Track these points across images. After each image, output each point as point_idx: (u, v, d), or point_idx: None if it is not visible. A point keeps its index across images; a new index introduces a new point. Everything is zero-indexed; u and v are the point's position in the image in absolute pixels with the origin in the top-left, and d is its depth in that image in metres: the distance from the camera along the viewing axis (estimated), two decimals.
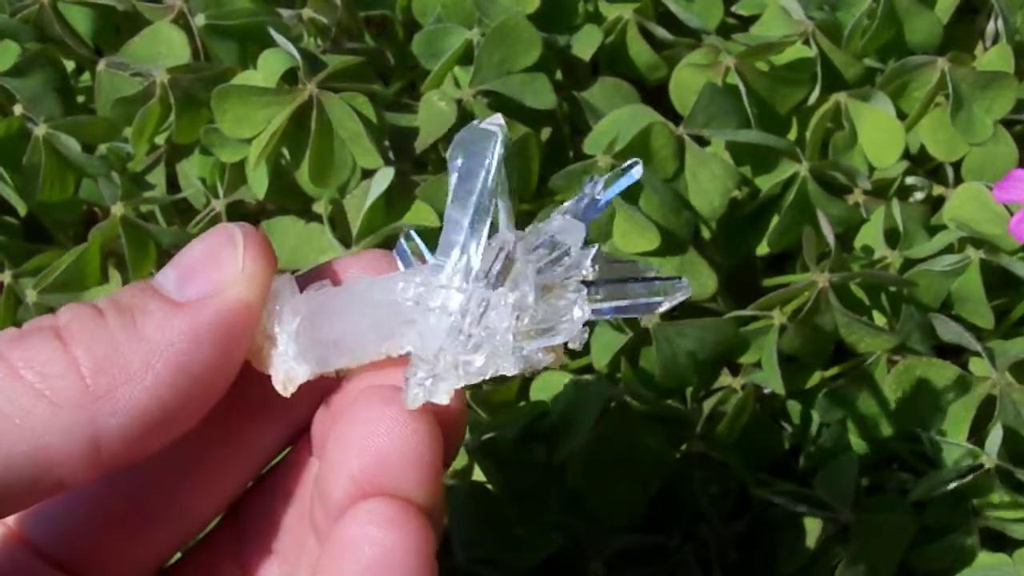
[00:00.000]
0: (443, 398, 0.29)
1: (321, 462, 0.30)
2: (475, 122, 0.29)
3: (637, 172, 0.30)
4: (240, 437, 0.32)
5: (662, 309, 0.30)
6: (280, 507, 0.33)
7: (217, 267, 0.29)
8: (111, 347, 0.28)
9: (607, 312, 0.29)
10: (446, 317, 0.29)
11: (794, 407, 0.54)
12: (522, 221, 0.56)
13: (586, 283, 0.29)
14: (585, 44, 0.59)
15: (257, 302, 0.29)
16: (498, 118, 0.29)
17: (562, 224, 0.29)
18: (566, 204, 0.30)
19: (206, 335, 0.28)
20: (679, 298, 0.30)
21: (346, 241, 0.53)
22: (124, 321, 0.28)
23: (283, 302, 0.30)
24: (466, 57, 0.57)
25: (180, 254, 0.30)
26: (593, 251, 0.29)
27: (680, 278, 0.30)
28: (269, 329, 0.30)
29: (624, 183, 0.30)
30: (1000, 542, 0.51)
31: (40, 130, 0.54)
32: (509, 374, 0.29)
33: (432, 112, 0.55)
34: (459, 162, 0.29)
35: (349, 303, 0.30)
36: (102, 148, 0.58)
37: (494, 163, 0.29)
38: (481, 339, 0.28)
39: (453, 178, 0.29)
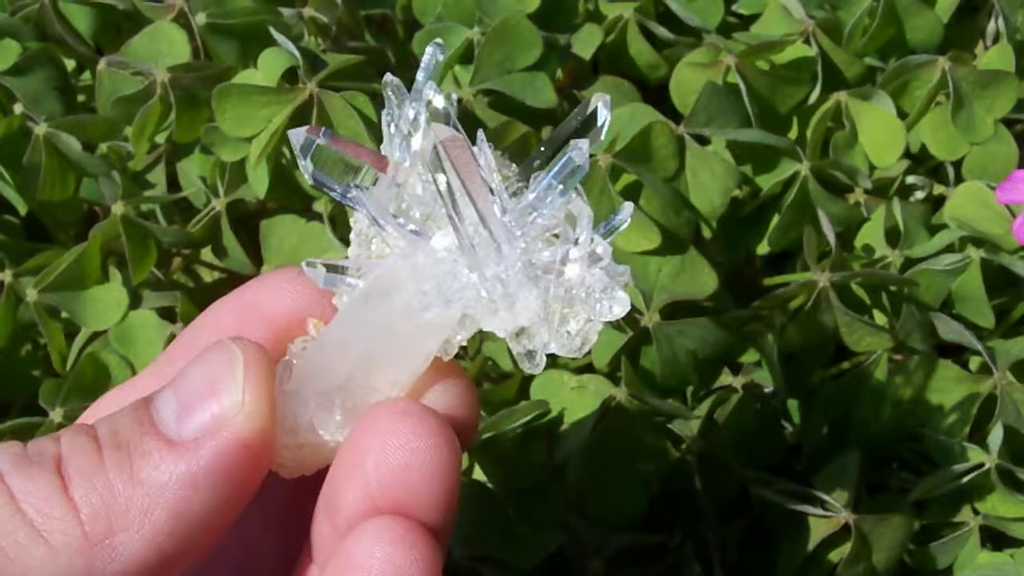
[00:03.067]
0: (596, 331, 0.28)
1: (333, 466, 0.29)
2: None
3: (626, 213, 0.29)
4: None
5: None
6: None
7: (216, 400, 0.28)
8: (108, 492, 0.27)
9: None
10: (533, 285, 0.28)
11: (794, 406, 0.54)
12: None
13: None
14: (585, 43, 0.59)
15: (260, 440, 0.28)
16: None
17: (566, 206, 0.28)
18: (553, 171, 0.29)
19: (204, 480, 0.27)
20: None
21: (347, 240, 0.53)
22: (121, 461, 0.27)
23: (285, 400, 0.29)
24: (467, 56, 0.57)
25: (182, 375, 0.29)
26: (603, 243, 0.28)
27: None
28: (293, 438, 0.29)
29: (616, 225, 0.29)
30: (1001, 541, 0.51)
31: (40, 129, 0.54)
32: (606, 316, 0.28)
33: (432, 111, 0.55)
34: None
35: (350, 339, 0.29)
36: (102, 147, 0.58)
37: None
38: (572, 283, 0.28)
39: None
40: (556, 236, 0.28)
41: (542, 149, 0.29)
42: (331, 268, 0.29)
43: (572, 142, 0.28)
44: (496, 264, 0.27)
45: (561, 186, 0.28)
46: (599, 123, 0.29)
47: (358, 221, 0.31)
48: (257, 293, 0.32)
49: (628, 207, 0.29)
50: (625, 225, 0.29)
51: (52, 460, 0.27)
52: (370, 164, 0.28)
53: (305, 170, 0.28)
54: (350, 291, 0.29)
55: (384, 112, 0.31)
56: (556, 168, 0.28)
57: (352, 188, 0.28)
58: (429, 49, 0.30)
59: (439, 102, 0.29)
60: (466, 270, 0.28)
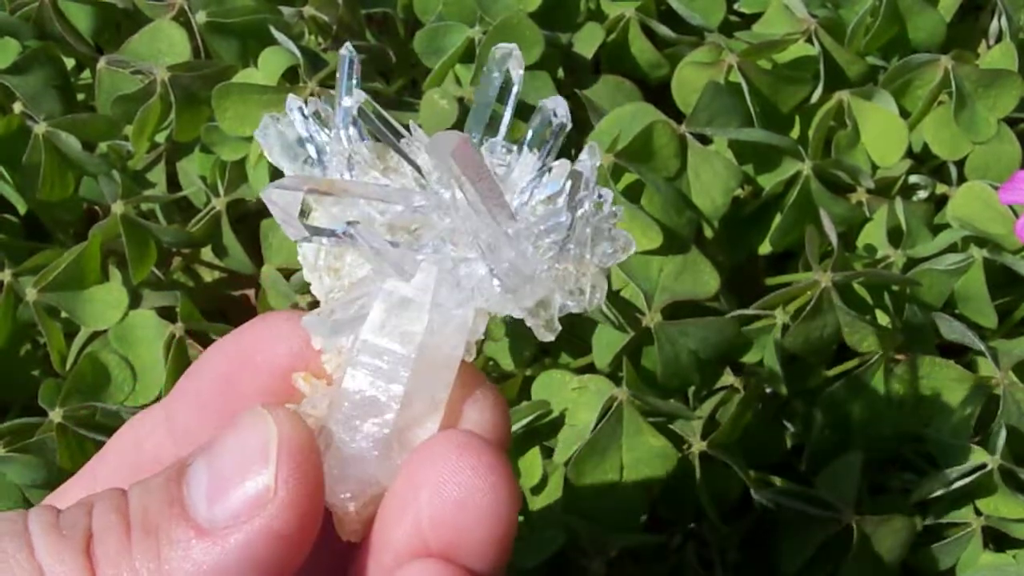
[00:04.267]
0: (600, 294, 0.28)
1: (384, 501, 0.28)
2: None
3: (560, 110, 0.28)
4: None
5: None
6: None
7: (248, 483, 0.26)
8: None
9: None
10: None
11: (796, 407, 0.54)
12: None
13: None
14: (587, 42, 0.59)
15: (296, 528, 0.26)
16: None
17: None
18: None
19: (235, 571, 0.26)
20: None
21: None
22: (149, 548, 0.26)
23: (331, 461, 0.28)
24: (467, 55, 0.57)
25: (216, 446, 0.27)
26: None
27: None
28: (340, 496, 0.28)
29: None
30: (1003, 542, 0.51)
31: (40, 128, 0.54)
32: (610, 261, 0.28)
33: (434, 110, 0.55)
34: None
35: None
36: (102, 146, 0.58)
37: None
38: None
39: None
40: (548, 199, 0.28)
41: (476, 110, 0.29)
42: (329, 314, 0.28)
43: (540, 104, 0.28)
44: (508, 252, 0.26)
45: (547, 155, 0.28)
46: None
47: (305, 256, 0.29)
48: (255, 338, 0.30)
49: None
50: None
51: (83, 538, 0.27)
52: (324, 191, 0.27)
53: (300, 240, 0.27)
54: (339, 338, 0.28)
55: (304, 132, 0.29)
56: (538, 141, 0.28)
57: (343, 227, 0.26)
58: (343, 54, 0.29)
59: (351, 104, 0.28)
60: (473, 266, 0.27)
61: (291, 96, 0.29)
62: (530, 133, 0.28)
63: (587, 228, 0.27)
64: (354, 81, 0.28)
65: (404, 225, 0.28)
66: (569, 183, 0.27)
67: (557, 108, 0.28)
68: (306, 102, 0.29)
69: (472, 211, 0.26)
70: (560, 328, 0.28)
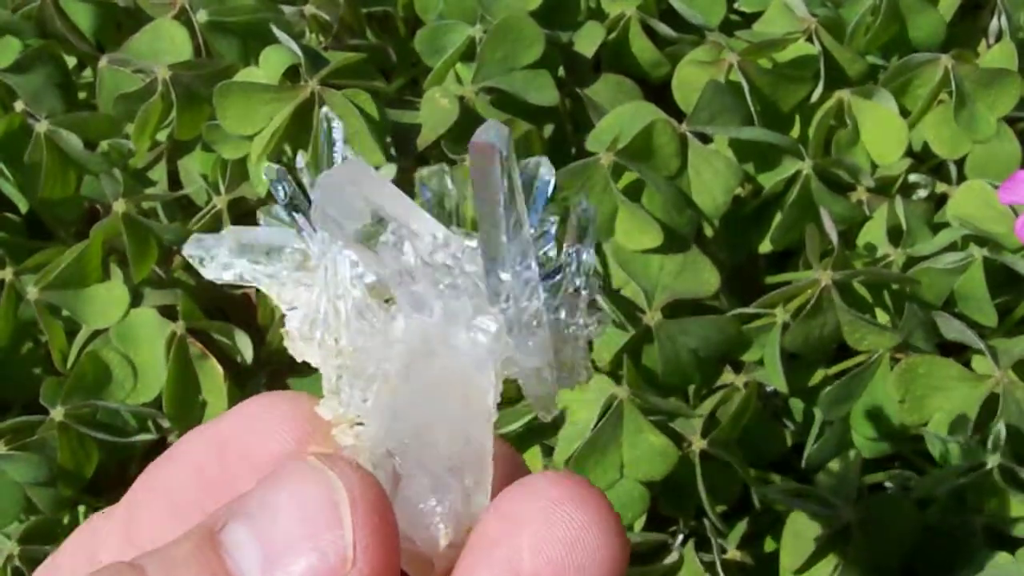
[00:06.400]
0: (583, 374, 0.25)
1: (469, 544, 0.24)
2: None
3: (587, 208, 0.26)
4: None
5: None
6: None
7: (317, 553, 0.21)
8: None
9: None
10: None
11: (796, 405, 0.54)
12: None
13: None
14: (587, 41, 0.59)
15: None
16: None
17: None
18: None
19: None
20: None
21: None
22: None
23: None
24: (468, 54, 0.57)
25: (260, 506, 0.22)
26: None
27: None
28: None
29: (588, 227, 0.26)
30: (1003, 541, 0.51)
31: (41, 127, 0.54)
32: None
33: (434, 109, 0.55)
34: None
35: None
36: (103, 145, 0.58)
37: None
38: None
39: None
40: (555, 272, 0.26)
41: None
42: (338, 385, 0.25)
43: (523, 164, 0.25)
44: (517, 302, 0.24)
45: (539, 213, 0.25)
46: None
47: (296, 329, 0.26)
48: (239, 425, 0.26)
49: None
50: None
51: None
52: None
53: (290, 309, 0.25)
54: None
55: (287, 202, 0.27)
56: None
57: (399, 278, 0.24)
58: (332, 123, 0.26)
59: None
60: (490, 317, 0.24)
61: (270, 167, 0.27)
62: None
63: (577, 300, 0.25)
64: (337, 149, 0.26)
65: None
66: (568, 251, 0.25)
67: (541, 167, 0.25)
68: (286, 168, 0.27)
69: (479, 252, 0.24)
70: (557, 412, 0.26)
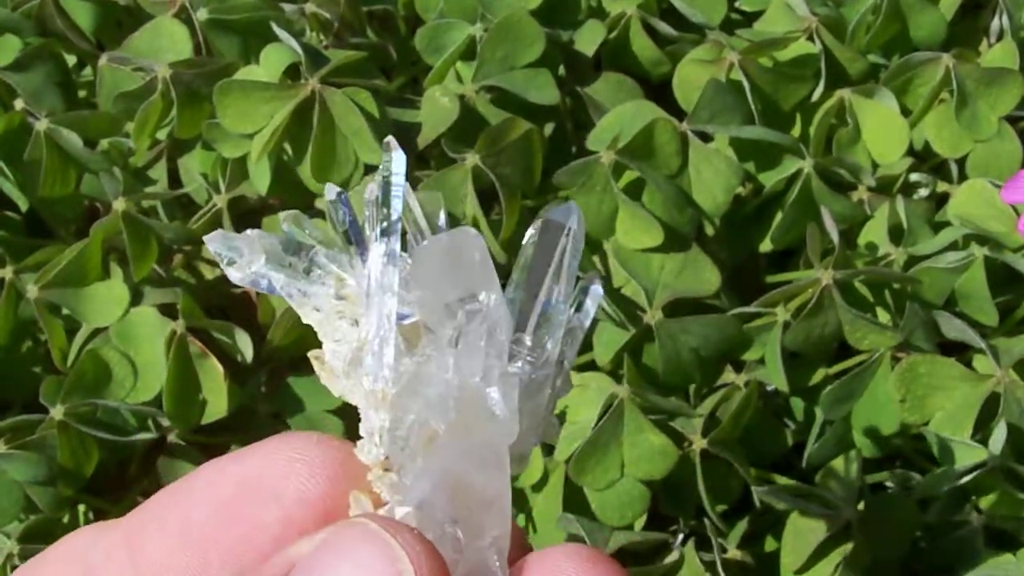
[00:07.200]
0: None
1: None
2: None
3: (596, 290, 0.26)
4: None
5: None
6: None
7: None
8: None
9: None
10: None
11: (797, 404, 0.54)
12: (524, 218, 0.56)
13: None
14: (588, 40, 0.59)
15: None
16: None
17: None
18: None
19: None
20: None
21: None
22: None
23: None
24: (469, 52, 0.57)
25: (316, 568, 0.22)
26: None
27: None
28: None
29: (591, 303, 0.26)
30: (1004, 540, 0.51)
31: (41, 125, 0.54)
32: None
33: (435, 107, 0.55)
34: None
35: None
36: (104, 143, 0.58)
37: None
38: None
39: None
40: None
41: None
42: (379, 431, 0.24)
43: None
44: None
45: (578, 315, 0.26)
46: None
47: (331, 362, 0.25)
48: (264, 464, 0.25)
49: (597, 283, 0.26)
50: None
51: None
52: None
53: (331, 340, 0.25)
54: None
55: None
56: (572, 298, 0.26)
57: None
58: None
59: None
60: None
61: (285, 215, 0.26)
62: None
63: (562, 368, 0.25)
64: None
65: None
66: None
67: (594, 284, 0.26)
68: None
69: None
70: (528, 465, 0.26)
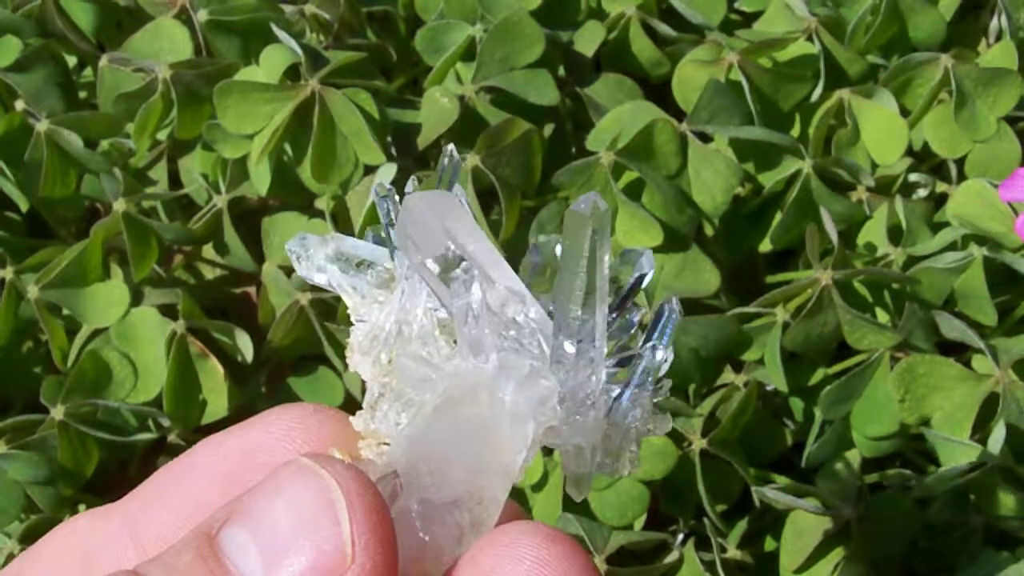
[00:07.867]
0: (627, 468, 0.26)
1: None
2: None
3: (674, 309, 0.26)
4: None
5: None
6: None
7: (316, 550, 0.21)
8: None
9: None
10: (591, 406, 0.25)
11: (797, 404, 0.54)
12: (524, 217, 0.56)
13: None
14: (588, 40, 0.59)
15: None
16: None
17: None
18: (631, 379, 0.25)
19: None
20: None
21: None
22: None
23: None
24: (469, 53, 0.57)
25: (256, 513, 0.22)
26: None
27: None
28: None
29: (669, 323, 0.26)
30: (1003, 540, 0.51)
31: (42, 126, 0.54)
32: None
33: (434, 108, 0.55)
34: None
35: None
36: (104, 144, 0.58)
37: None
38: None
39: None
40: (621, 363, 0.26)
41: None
42: (378, 401, 0.25)
43: (624, 253, 0.25)
44: (576, 373, 0.25)
45: (652, 344, 0.25)
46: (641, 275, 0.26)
47: (356, 340, 0.27)
48: (262, 435, 0.26)
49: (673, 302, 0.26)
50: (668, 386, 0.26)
51: None
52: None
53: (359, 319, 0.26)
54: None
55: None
56: (651, 322, 0.25)
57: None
58: (454, 158, 0.27)
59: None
60: (543, 378, 0.25)
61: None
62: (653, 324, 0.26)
63: (643, 393, 0.25)
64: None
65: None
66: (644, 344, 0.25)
67: (643, 257, 0.25)
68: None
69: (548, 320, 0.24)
70: (588, 492, 0.26)
